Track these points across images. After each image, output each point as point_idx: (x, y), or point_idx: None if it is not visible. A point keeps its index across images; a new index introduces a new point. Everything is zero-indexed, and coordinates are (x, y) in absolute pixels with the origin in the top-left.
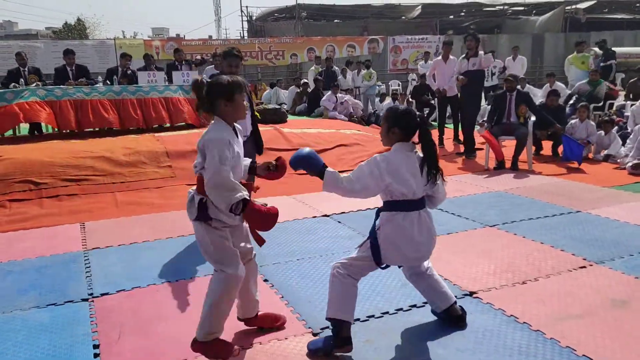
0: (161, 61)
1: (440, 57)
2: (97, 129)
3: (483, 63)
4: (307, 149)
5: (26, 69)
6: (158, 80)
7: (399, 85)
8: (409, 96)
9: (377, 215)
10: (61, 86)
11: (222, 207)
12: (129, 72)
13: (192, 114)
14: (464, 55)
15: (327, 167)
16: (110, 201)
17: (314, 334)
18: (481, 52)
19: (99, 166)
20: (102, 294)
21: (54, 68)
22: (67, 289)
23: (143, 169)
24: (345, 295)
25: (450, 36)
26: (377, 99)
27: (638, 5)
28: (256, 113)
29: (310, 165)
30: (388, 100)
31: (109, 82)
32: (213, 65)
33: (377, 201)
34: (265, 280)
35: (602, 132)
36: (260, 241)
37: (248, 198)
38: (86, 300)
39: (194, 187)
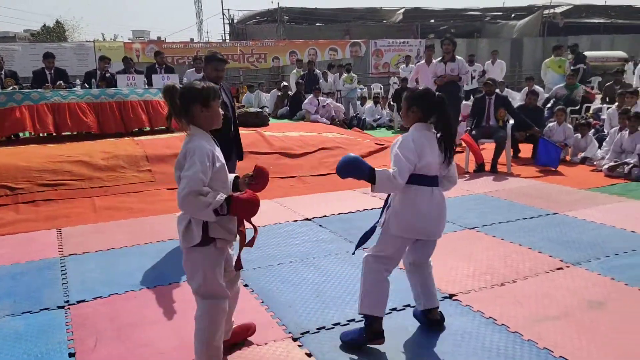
0: (141, 64)
1: (423, 61)
2: (75, 133)
3: (461, 69)
4: (351, 155)
5: (2, 72)
6: (137, 83)
7: (380, 89)
8: (391, 99)
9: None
10: (38, 89)
11: (203, 215)
12: (107, 75)
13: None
14: (440, 59)
15: (374, 169)
16: (88, 206)
17: (294, 339)
18: (459, 57)
19: (76, 171)
20: (79, 301)
21: (32, 71)
22: (42, 297)
23: (122, 174)
24: (377, 290)
25: (432, 40)
26: (358, 102)
27: (614, 10)
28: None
29: (357, 169)
30: (369, 104)
31: (87, 86)
32: (194, 69)
33: (360, 203)
34: (246, 285)
35: (579, 135)
36: (239, 266)
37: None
38: (62, 307)
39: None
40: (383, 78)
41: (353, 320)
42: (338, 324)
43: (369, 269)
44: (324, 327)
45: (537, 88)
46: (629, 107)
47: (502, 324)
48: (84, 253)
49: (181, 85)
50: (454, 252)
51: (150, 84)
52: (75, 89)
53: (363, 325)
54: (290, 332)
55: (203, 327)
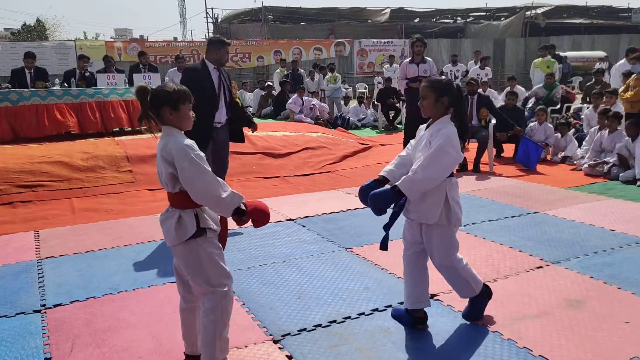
0: (123, 63)
1: (408, 60)
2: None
3: (432, 71)
4: (363, 192)
5: None
6: (118, 82)
7: (365, 88)
8: (375, 99)
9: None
10: (16, 89)
11: (226, 212)
12: (87, 74)
13: None
14: (409, 60)
15: (393, 188)
16: (66, 208)
17: (275, 341)
18: (428, 58)
19: (55, 171)
20: (55, 305)
21: (11, 70)
22: (18, 300)
23: (102, 174)
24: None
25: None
26: (342, 102)
27: (594, 10)
28: (237, 99)
29: (383, 200)
30: (354, 104)
31: (66, 85)
32: (176, 68)
33: (343, 203)
34: None
35: (559, 135)
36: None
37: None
38: (38, 311)
39: (170, 209)
40: (368, 78)
41: (334, 321)
42: (319, 325)
43: (460, 265)
44: (305, 329)
45: (519, 88)
46: (608, 107)
47: (483, 324)
48: (61, 256)
49: (153, 87)
50: None
51: (131, 83)
52: (55, 89)
53: (475, 301)
54: (271, 335)
55: (215, 319)
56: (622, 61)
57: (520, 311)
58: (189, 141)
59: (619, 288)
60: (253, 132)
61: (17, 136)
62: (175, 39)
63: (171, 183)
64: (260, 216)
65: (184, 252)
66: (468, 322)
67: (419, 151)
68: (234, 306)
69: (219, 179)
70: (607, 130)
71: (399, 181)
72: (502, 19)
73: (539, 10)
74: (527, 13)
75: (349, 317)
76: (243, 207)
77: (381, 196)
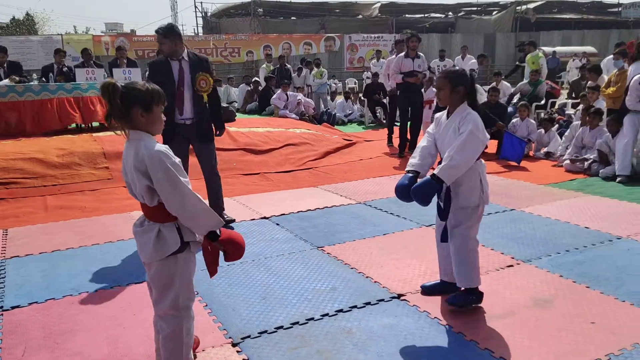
0: (111, 57)
1: (394, 56)
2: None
3: (424, 66)
4: (398, 189)
5: None
6: (97, 77)
7: (355, 83)
8: (361, 95)
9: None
10: None
11: (200, 231)
12: (64, 69)
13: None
14: (404, 54)
15: (432, 176)
16: (39, 205)
17: (234, 344)
18: (421, 54)
19: (29, 168)
20: (13, 307)
21: None
22: None
23: (77, 171)
24: (478, 264)
25: (407, 34)
26: (328, 98)
27: (585, 6)
28: (203, 95)
29: (428, 190)
30: (340, 99)
31: (44, 80)
32: None
33: (320, 201)
34: None
35: (542, 130)
36: (215, 271)
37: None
38: None
39: (147, 222)
40: (358, 73)
41: (297, 323)
42: (281, 327)
43: (473, 247)
44: (266, 331)
45: (505, 84)
46: (592, 104)
47: (447, 324)
48: (27, 255)
49: (122, 84)
50: (408, 250)
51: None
52: (32, 84)
53: (465, 294)
54: (230, 337)
55: (179, 345)
56: (611, 56)
57: (487, 311)
58: (162, 147)
59: (588, 287)
60: (218, 135)
61: None
62: None
63: (148, 196)
64: (232, 249)
65: (160, 269)
66: (433, 321)
67: (447, 139)
68: (197, 308)
69: (196, 194)
70: (589, 127)
71: (438, 170)
72: (494, 13)
73: (530, 5)
74: (517, 8)
75: (312, 319)
76: (218, 232)
77: (425, 188)
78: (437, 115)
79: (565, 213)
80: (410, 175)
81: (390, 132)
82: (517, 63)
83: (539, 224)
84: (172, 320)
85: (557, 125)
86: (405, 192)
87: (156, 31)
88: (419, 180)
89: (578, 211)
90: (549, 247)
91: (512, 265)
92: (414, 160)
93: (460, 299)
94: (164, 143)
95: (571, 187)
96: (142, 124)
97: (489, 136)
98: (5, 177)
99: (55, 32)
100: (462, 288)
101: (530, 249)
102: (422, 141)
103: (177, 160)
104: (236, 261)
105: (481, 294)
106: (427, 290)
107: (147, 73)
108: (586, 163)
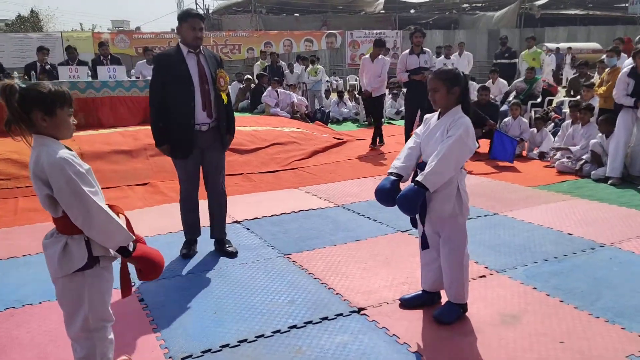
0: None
1: (368, 56)
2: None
3: (430, 62)
4: (379, 193)
5: None
6: (80, 75)
7: (356, 80)
8: (356, 93)
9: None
10: None
11: (110, 247)
12: (47, 67)
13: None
14: (409, 51)
15: (416, 183)
16: (9, 208)
17: None
18: (427, 49)
19: (3, 169)
20: None
21: None
22: None
23: None
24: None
25: (410, 30)
26: (323, 95)
27: (591, 2)
28: (223, 95)
29: (414, 200)
30: (334, 97)
31: (27, 79)
32: (145, 60)
33: (298, 203)
34: (141, 300)
35: (535, 130)
36: (128, 292)
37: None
38: None
39: (56, 234)
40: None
41: (245, 340)
42: (227, 345)
43: (466, 262)
44: (209, 350)
45: (501, 81)
46: (580, 100)
47: (404, 343)
48: None
49: (21, 86)
50: (377, 258)
51: (95, 76)
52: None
53: (453, 307)
54: (171, 357)
55: None
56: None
57: (451, 328)
58: (66, 153)
59: (561, 301)
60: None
61: None
62: (173, 30)
63: (51, 206)
64: (146, 267)
65: (66, 286)
66: (391, 339)
67: (432, 141)
68: (142, 322)
69: (103, 206)
70: (580, 124)
71: (421, 176)
72: (498, 8)
73: (536, 2)
74: (522, 5)
75: (262, 335)
76: (130, 248)
77: (410, 197)
78: (428, 116)
79: (549, 218)
80: (393, 178)
81: (376, 134)
82: (494, 61)
83: (519, 230)
84: (84, 343)
85: (552, 124)
86: (385, 195)
87: (188, 13)
88: (402, 185)
89: (563, 216)
90: (526, 256)
91: (484, 276)
92: (397, 162)
93: (448, 316)
94: (183, 157)
95: (560, 189)
96: (46, 129)
97: (478, 145)
98: None
99: (61, 29)
100: (447, 300)
101: (506, 258)
102: (409, 142)
103: (85, 168)
104: (154, 279)
105: (466, 305)
106: (405, 303)
107: (153, 67)
108: (578, 164)
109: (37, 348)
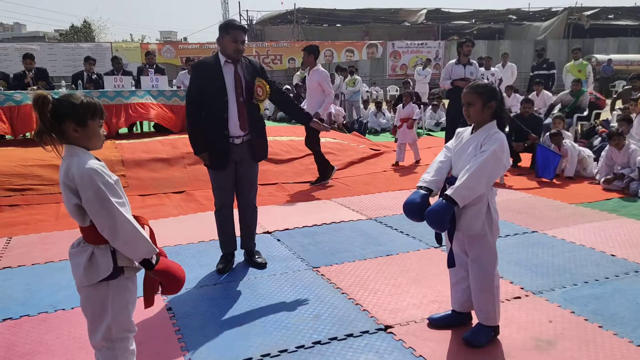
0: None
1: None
2: None
3: (476, 73)
4: (408, 207)
5: None
6: (125, 85)
7: (396, 91)
8: (393, 103)
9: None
10: (21, 91)
11: (134, 259)
12: (94, 76)
13: (161, 118)
14: (455, 61)
15: (445, 198)
16: (52, 213)
17: None
18: (473, 60)
19: (47, 175)
20: None
21: (13, 74)
22: None
23: None
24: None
25: (454, 40)
26: (361, 106)
27: None
28: (259, 106)
29: (443, 215)
30: (372, 108)
31: (74, 87)
32: (186, 70)
33: (331, 215)
34: (169, 309)
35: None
36: (151, 302)
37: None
38: None
39: (83, 244)
40: (400, 80)
41: (268, 355)
42: (250, 359)
43: (497, 282)
44: None
45: (546, 94)
46: (619, 128)
47: None
48: (19, 266)
49: (55, 97)
50: (408, 274)
51: (139, 85)
52: (59, 91)
53: (484, 329)
54: None
55: None
56: None
57: (480, 353)
58: (95, 164)
59: (600, 327)
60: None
61: (16, 135)
62: (207, 42)
63: (79, 216)
64: (168, 281)
65: (90, 295)
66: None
67: (465, 156)
68: (168, 331)
69: (130, 217)
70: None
71: (451, 190)
72: (545, 19)
73: (585, 13)
74: (570, 16)
75: (286, 350)
76: (153, 261)
77: (439, 212)
78: (460, 129)
79: (591, 237)
80: (423, 192)
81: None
82: (531, 73)
83: (559, 250)
84: (106, 353)
85: (599, 138)
86: (414, 210)
87: (232, 25)
88: (431, 200)
89: (607, 236)
90: (566, 278)
91: (519, 297)
92: (427, 175)
93: (478, 338)
94: (218, 169)
95: (605, 207)
96: (78, 139)
97: (511, 162)
98: (22, 184)
99: (111, 40)
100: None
101: (543, 279)
102: (439, 155)
103: (114, 179)
104: (176, 293)
105: (498, 327)
106: (434, 323)
107: (191, 75)
108: (624, 181)
109: (65, 354)
